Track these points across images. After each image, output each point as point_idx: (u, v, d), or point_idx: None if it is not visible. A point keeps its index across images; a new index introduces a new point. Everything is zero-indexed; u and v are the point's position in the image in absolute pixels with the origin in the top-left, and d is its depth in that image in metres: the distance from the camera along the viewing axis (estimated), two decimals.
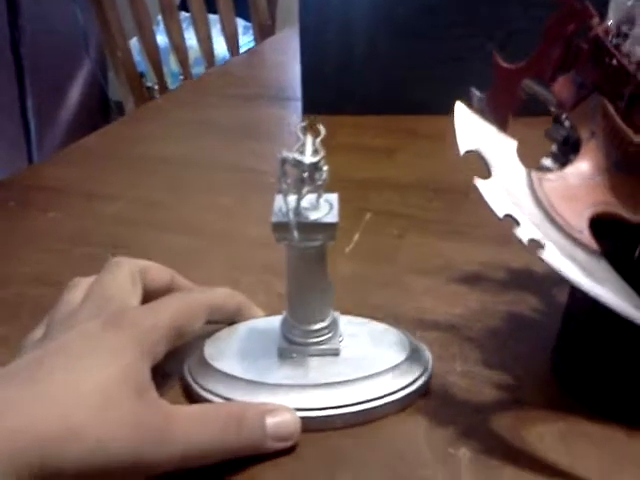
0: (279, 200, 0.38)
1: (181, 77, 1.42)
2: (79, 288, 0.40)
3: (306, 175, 0.36)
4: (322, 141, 0.36)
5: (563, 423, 0.38)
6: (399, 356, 0.40)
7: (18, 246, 0.57)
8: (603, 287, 0.31)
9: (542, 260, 0.31)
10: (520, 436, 0.37)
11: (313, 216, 0.37)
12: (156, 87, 1.40)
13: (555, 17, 0.38)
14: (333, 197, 0.39)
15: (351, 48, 0.82)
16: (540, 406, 0.39)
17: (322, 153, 0.36)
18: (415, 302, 0.48)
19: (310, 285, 0.39)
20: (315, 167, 0.36)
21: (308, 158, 0.35)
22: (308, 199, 0.38)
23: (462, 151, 0.34)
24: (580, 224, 0.33)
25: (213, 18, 1.42)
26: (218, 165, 0.73)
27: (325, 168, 0.36)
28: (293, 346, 0.41)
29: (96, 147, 0.79)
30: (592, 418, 0.38)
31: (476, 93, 0.41)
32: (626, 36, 0.35)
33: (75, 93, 2.02)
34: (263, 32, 1.49)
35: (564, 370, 0.41)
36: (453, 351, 0.43)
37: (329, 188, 0.38)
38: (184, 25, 1.38)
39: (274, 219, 0.37)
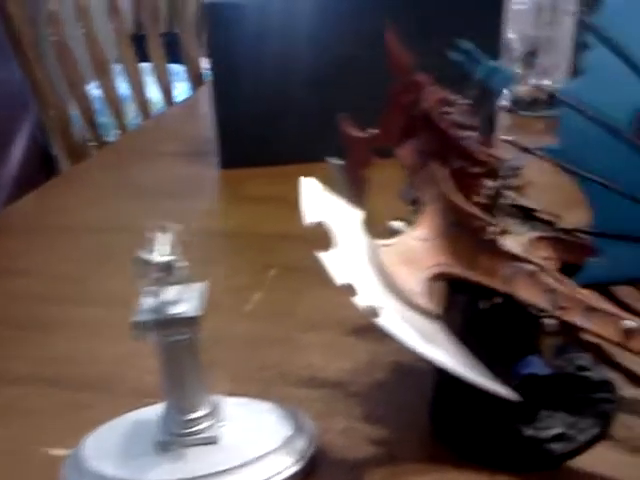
0: (142, 298, 0.38)
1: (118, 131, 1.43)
2: None
3: (160, 275, 0.36)
4: (176, 237, 0.36)
5: (436, 474, 0.39)
6: (280, 437, 0.39)
7: None
8: (439, 349, 0.33)
9: (378, 326, 0.33)
10: None
11: (173, 310, 0.37)
12: (91, 144, 1.41)
13: (394, 88, 0.40)
14: (201, 287, 0.38)
15: (265, 99, 0.83)
16: (415, 459, 0.40)
17: (175, 252, 0.36)
18: (305, 359, 0.49)
19: (182, 377, 0.38)
20: (168, 266, 0.36)
21: (156, 257, 0.36)
22: (176, 291, 0.37)
23: (306, 222, 0.35)
24: (417, 287, 0.35)
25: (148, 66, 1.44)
26: (136, 229, 0.73)
27: (182, 264, 0.36)
28: (173, 437, 0.39)
29: (13, 220, 0.79)
30: (461, 465, 0.39)
31: (334, 162, 0.43)
32: (455, 105, 0.38)
33: (17, 152, 2.01)
34: (198, 79, 1.51)
35: (438, 419, 0.42)
36: (338, 408, 0.44)
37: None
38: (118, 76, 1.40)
39: (132, 318, 0.37)
